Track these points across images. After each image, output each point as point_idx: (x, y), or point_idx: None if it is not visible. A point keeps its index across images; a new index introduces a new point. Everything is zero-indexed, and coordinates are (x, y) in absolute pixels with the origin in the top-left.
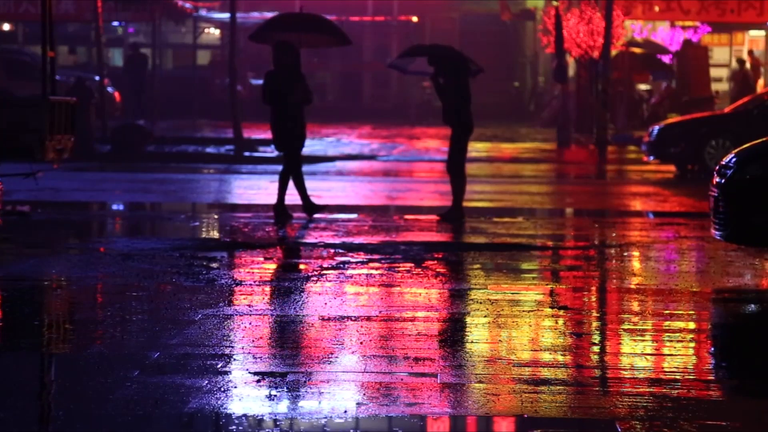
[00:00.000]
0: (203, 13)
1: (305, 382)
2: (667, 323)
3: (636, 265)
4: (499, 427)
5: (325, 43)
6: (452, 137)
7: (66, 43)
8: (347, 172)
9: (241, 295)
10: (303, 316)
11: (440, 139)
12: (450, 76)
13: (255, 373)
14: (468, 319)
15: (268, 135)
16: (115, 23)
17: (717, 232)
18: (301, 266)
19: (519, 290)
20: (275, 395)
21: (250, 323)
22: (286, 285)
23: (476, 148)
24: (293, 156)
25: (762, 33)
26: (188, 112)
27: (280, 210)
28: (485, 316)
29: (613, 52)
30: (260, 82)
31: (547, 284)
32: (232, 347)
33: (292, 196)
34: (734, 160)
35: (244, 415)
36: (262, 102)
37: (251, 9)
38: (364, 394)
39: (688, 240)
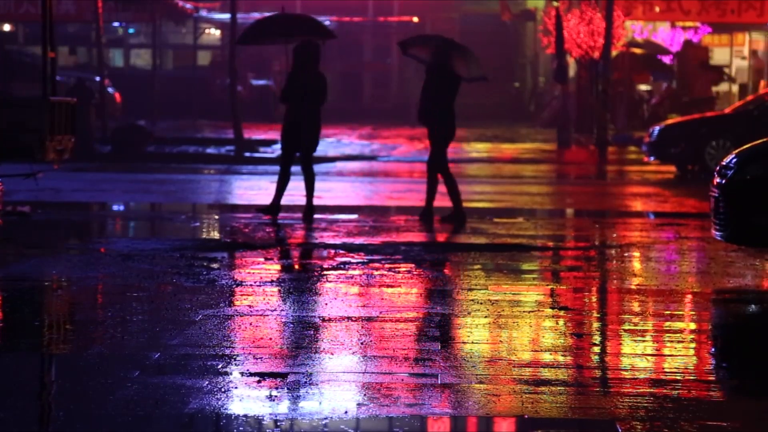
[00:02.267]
0: (204, 13)
1: (305, 382)
2: (667, 324)
3: (636, 265)
4: (499, 428)
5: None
6: (434, 138)
7: (66, 44)
8: (348, 173)
9: (241, 295)
10: (303, 316)
11: None
12: (433, 74)
13: (255, 374)
14: (468, 320)
15: (268, 136)
16: (116, 24)
17: (717, 233)
18: (302, 267)
19: (519, 291)
20: (275, 395)
21: (250, 324)
22: (287, 285)
23: (476, 149)
24: (288, 157)
25: (763, 34)
26: (188, 113)
27: (274, 209)
28: (486, 317)
29: (614, 52)
30: (260, 82)
31: (547, 285)
32: (233, 348)
33: (292, 197)
34: (735, 160)
35: (245, 416)
36: (280, 101)
37: (251, 9)
38: (365, 395)
39: (689, 240)
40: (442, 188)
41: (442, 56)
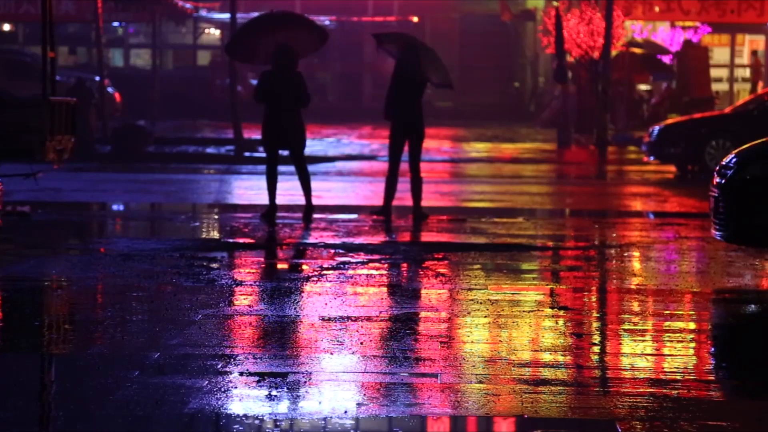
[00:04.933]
0: (203, 13)
1: (305, 382)
2: (667, 323)
3: (636, 265)
4: (499, 428)
5: (303, 40)
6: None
7: (66, 44)
8: (347, 173)
9: (241, 295)
10: (303, 316)
11: (440, 139)
12: (401, 72)
13: (255, 374)
14: (468, 319)
15: None
16: (116, 24)
17: (717, 233)
18: (302, 266)
19: (519, 290)
20: (275, 395)
21: (250, 323)
22: (287, 285)
23: (476, 149)
24: (272, 156)
25: (763, 34)
26: (188, 113)
27: (271, 211)
28: (485, 316)
29: (614, 52)
30: None
31: (547, 284)
32: (233, 347)
33: (292, 197)
34: (734, 160)
35: (245, 416)
36: (253, 100)
37: (251, 9)
38: (365, 395)
39: (689, 240)
40: (447, 187)
41: (412, 54)
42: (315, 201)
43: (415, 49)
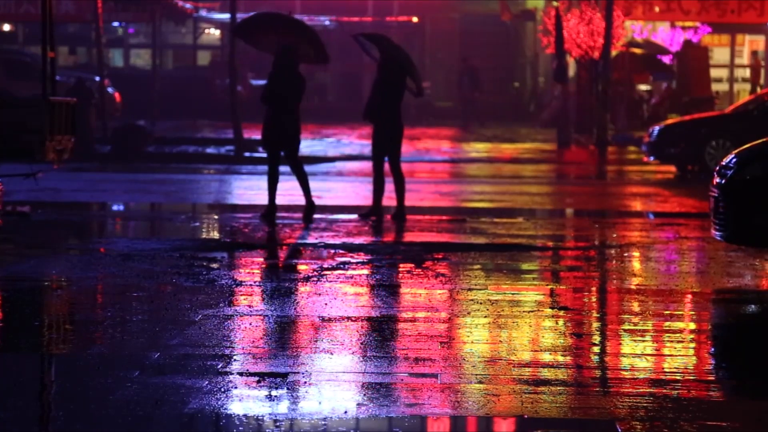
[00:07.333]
0: (203, 13)
1: (305, 382)
2: (667, 324)
3: (636, 265)
4: (499, 428)
5: (305, 53)
6: (379, 135)
7: (66, 44)
8: (347, 173)
9: (241, 295)
10: (303, 316)
11: (440, 139)
12: (387, 72)
13: (255, 374)
14: (468, 320)
15: None
16: (116, 24)
17: (717, 233)
18: (302, 266)
19: (519, 291)
20: (275, 395)
21: (250, 323)
22: (287, 285)
23: (476, 149)
24: (273, 157)
25: (763, 34)
26: (188, 113)
27: (271, 211)
28: (485, 317)
29: (614, 52)
30: (260, 82)
31: (547, 285)
32: (233, 347)
33: (292, 197)
34: (734, 160)
35: (245, 416)
36: (261, 102)
37: (251, 9)
38: (364, 395)
39: (689, 240)
40: (446, 188)
41: (394, 52)
42: (315, 201)
43: (398, 50)
